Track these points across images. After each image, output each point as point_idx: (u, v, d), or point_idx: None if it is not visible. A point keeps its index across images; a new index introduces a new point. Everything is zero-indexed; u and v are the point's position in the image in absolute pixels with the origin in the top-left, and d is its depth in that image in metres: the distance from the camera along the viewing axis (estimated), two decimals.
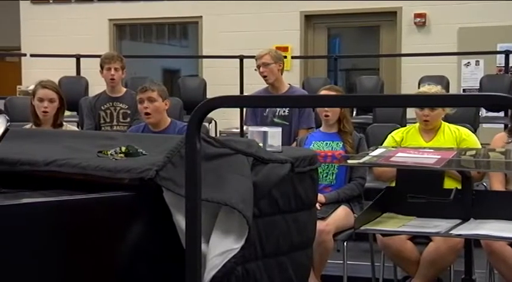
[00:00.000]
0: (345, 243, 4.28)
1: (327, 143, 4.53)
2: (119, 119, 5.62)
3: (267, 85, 5.36)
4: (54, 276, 2.03)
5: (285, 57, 8.72)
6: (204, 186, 1.84)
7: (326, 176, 4.43)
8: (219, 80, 9.00)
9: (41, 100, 4.43)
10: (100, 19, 10.18)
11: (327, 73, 9.65)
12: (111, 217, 2.16)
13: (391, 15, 9.36)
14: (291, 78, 8.57)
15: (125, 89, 5.83)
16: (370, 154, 3.44)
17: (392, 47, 9.37)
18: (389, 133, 4.56)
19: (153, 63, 10.99)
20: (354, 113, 7.88)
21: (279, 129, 2.77)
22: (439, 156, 3.17)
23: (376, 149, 3.66)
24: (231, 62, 8.77)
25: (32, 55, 9.50)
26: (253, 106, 4.51)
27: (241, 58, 8.55)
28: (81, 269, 2.09)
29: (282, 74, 5.33)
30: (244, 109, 6.11)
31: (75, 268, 2.08)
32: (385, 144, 4.43)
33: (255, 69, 5.32)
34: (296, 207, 2.51)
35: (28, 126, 4.52)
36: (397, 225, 3.09)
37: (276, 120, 5.16)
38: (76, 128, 5.71)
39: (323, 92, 4.56)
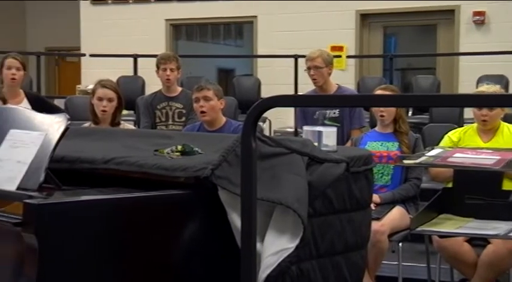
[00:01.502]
0: (400, 244, 4.23)
1: (382, 143, 4.49)
2: (174, 118, 5.69)
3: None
4: (111, 272, 2.07)
5: (340, 56, 8.72)
6: (259, 185, 1.85)
7: (381, 177, 4.39)
8: (273, 79, 9.01)
9: (100, 99, 4.51)
10: (157, 19, 10.30)
11: (383, 72, 9.56)
12: (167, 215, 2.19)
13: (449, 14, 9.22)
14: (346, 78, 8.53)
15: (180, 89, 5.89)
16: (426, 154, 3.41)
17: (450, 45, 9.22)
18: (446, 133, 4.50)
19: (208, 62, 11.07)
20: (410, 112, 7.79)
21: (334, 129, 2.76)
22: (498, 157, 3.12)
23: (433, 149, 3.62)
24: (286, 61, 8.76)
25: (91, 55, 9.68)
26: (308, 105, 4.49)
27: (296, 57, 8.53)
28: (138, 266, 2.12)
29: (330, 75, 5.30)
30: (294, 112, 6.10)
31: (132, 265, 2.11)
32: (441, 144, 4.37)
33: (305, 70, 5.30)
34: (351, 207, 2.50)
35: (87, 124, 4.60)
36: (454, 227, 3.05)
37: (326, 122, 5.13)
38: (133, 127, 5.79)
39: (378, 92, 4.52)
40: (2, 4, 13.02)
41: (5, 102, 4.44)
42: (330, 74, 5.25)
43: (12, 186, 2.23)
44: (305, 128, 2.89)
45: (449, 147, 3.98)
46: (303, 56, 8.21)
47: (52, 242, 1.92)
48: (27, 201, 1.96)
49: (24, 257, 1.94)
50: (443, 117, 6.53)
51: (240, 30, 11.20)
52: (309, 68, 5.22)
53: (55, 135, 2.31)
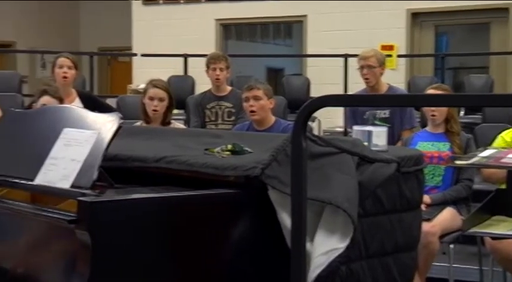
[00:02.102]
0: (451, 246, 4.18)
1: (433, 144, 4.43)
2: (224, 117, 5.71)
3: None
4: (162, 270, 2.09)
5: (390, 56, 8.63)
6: (309, 184, 1.85)
7: (432, 178, 4.34)
8: (323, 78, 8.97)
9: (152, 99, 4.55)
10: (207, 19, 10.36)
11: (434, 72, 9.44)
12: (217, 214, 2.20)
13: (502, 12, 9.04)
14: (397, 77, 8.44)
15: (230, 88, 5.92)
16: (478, 155, 3.35)
17: (504, 44, 9.05)
18: (499, 133, 4.41)
19: (257, 62, 11.09)
20: (462, 112, 7.67)
21: (385, 129, 2.74)
22: None
23: (485, 150, 3.56)
24: (335, 60, 8.73)
25: (142, 55, 9.79)
26: (358, 105, 4.46)
27: (346, 57, 8.49)
28: (188, 264, 2.14)
29: (382, 75, 5.26)
30: (344, 112, 6.07)
31: (182, 263, 2.13)
32: (494, 144, 4.29)
33: (357, 69, 5.27)
34: (401, 208, 2.48)
35: (138, 124, 4.65)
36: (507, 229, 3.00)
37: (376, 123, 5.06)
38: (183, 126, 5.84)
39: (430, 91, 4.47)
40: (57, 5, 13.28)
41: (61, 101, 4.53)
42: (382, 74, 5.21)
43: (66, 184, 2.27)
44: (355, 127, 2.88)
45: (503, 148, 3.91)
46: (353, 56, 8.17)
47: (104, 239, 1.95)
48: (81, 199, 2.00)
49: (77, 254, 1.98)
50: (496, 117, 6.41)
51: (289, 29, 11.20)
52: (361, 67, 5.19)
53: (108, 134, 2.35)
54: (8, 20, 12.66)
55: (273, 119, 4.69)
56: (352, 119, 5.22)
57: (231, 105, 5.66)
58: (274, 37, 11.51)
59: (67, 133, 2.43)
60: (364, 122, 5.09)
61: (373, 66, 5.13)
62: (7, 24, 12.64)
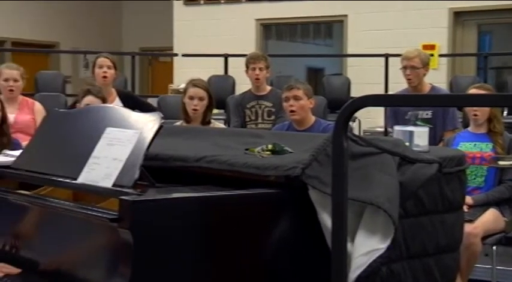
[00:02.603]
0: (494, 248, 4.12)
1: (475, 144, 4.38)
2: (264, 117, 5.72)
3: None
4: (202, 269, 2.10)
5: (432, 55, 8.54)
6: (349, 185, 1.84)
7: (474, 179, 4.28)
8: (363, 78, 8.92)
9: (192, 98, 4.58)
10: (247, 19, 10.38)
11: (476, 71, 9.31)
12: (257, 213, 2.20)
13: None
14: (438, 77, 8.34)
15: (269, 88, 5.93)
16: None
17: None
18: None
19: (297, 62, 11.07)
20: (505, 113, 7.55)
21: (426, 129, 2.72)
22: None
23: None
24: (376, 60, 8.67)
25: (183, 55, 9.86)
26: (400, 105, 4.43)
27: (387, 57, 8.43)
28: (228, 264, 2.15)
29: (425, 76, 5.21)
30: (384, 112, 6.02)
31: (223, 262, 2.14)
32: None
33: (401, 68, 5.23)
34: (443, 209, 2.45)
35: (178, 123, 4.69)
36: None
37: (418, 123, 5.02)
38: (223, 126, 5.87)
39: (472, 91, 4.41)
40: (100, 6, 13.45)
41: (104, 101, 4.59)
42: (425, 74, 5.17)
43: (108, 183, 2.30)
44: (396, 127, 2.86)
45: None
46: (394, 55, 8.11)
47: (146, 237, 1.97)
48: (123, 197, 2.01)
49: (119, 252, 2.00)
50: None
51: (329, 29, 11.15)
52: (404, 68, 5.15)
53: (149, 134, 2.37)
54: (52, 21, 12.87)
55: (312, 118, 4.68)
56: (394, 119, 5.18)
57: (270, 104, 5.67)
58: (314, 37, 11.48)
59: (109, 132, 2.45)
60: (406, 123, 5.03)
61: (416, 66, 5.09)
62: (51, 25, 12.85)
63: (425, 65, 5.15)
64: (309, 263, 2.27)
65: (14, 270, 2.33)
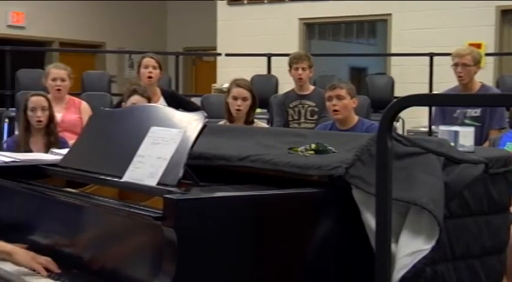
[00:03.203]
0: None
1: None
2: (307, 116, 5.72)
3: (457, 84, 5.19)
4: (244, 268, 2.11)
5: None
6: (393, 185, 1.83)
7: None
8: (407, 78, 8.84)
9: (235, 98, 4.60)
10: (291, 19, 10.38)
11: None
12: (300, 213, 2.20)
13: None
14: (484, 76, 8.19)
15: (312, 87, 5.92)
16: None
17: None
18: None
19: (340, 61, 11.03)
20: None
21: (471, 129, 2.68)
22: None
23: None
24: (420, 59, 8.59)
25: (226, 54, 9.90)
26: (447, 105, 4.38)
27: (431, 56, 8.34)
28: (271, 263, 2.15)
29: (475, 74, 5.15)
30: (433, 109, 5.96)
31: (265, 262, 2.14)
32: None
33: (452, 66, 5.17)
34: (488, 210, 2.42)
35: (222, 122, 4.71)
36: None
37: (466, 121, 4.98)
38: (266, 125, 5.87)
39: None
40: (145, 6, 13.60)
41: (149, 100, 4.64)
42: (476, 72, 5.12)
43: (153, 182, 2.32)
44: (441, 127, 2.83)
45: None
46: (439, 54, 8.03)
47: (190, 236, 1.98)
48: (167, 196, 2.03)
49: (163, 251, 2.02)
50: None
51: (373, 28, 11.08)
52: (456, 65, 5.10)
53: (193, 133, 2.39)
54: (98, 22, 13.06)
55: (356, 118, 4.66)
56: (442, 117, 5.14)
57: (313, 104, 5.66)
58: (357, 36, 11.42)
59: (154, 131, 2.48)
60: (454, 120, 5.00)
61: (468, 64, 5.04)
62: (97, 25, 13.03)
63: (477, 63, 5.09)
64: (352, 263, 2.26)
65: (55, 268, 2.37)
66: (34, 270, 2.36)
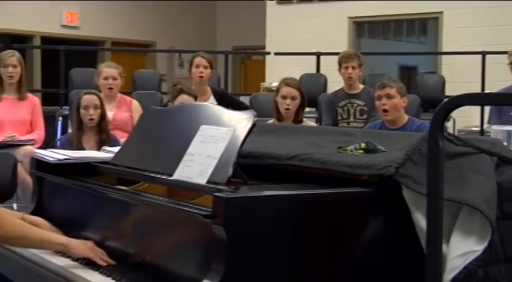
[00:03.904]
0: None
1: None
2: (356, 115, 5.69)
3: None
4: (293, 267, 2.10)
5: None
6: (445, 185, 1.81)
7: None
8: (459, 76, 8.71)
9: (284, 97, 4.61)
10: (340, 17, 10.33)
11: None
12: (350, 212, 2.19)
13: None
14: None
15: (362, 86, 5.89)
16: None
17: None
18: None
19: (390, 60, 10.94)
20: None
21: None
22: None
23: None
24: (472, 58, 8.45)
25: (275, 53, 9.91)
26: (501, 104, 4.30)
27: (484, 54, 8.21)
28: (319, 262, 2.14)
29: None
30: (488, 108, 5.86)
31: (314, 261, 2.14)
32: None
33: (508, 64, 5.08)
34: None
35: (270, 121, 4.72)
36: None
37: None
38: (315, 124, 5.86)
39: None
40: (195, 6, 13.71)
41: (196, 99, 4.68)
42: None
43: (202, 180, 2.34)
44: (493, 127, 2.79)
45: None
46: (492, 53, 7.89)
47: (239, 234, 1.99)
48: (217, 194, 2.04)
49: (212, 249, 2.03)
50: None
51: (423, 26, 10.96)
52: (511, 64, 5.02)
53: (243, 132, 2.40)
54: (149, 22, 13.21)
55: (406, 117, 4.62)
56: (498, 116, 5.05)
57: (363, 103, 5.63)
58: (407, 34, 11.31)
59: (204, 130, 2.50)
60: (510, 119, 4.90)
61: None
62: (148, 25, 13.19)
63: None
64: (402, 263, 2.24)
65: (110, 261, 2.40)
66: (88, 263, 2.39)
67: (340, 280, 2.18)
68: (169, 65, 13.72)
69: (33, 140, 5.44)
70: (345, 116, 5.68)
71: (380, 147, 2.45)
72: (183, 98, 4.56)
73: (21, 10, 11.45)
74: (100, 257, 2.39)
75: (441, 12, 9.66)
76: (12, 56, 5.55)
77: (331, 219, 2.15)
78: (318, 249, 2.13)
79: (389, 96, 4.52)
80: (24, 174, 4.82)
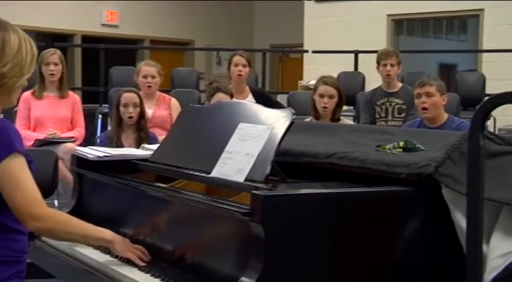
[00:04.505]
0: None
1: None
2: (394, 114, 5.65)
3: None
4: (330, 266, 2.10)
5: None
6: (485, 184, 1.79)
7: None
8: (500, 74, 8.59)
9: (322, 96, 4.60)
10: (378, 15, 10.26)
11: None
12: (388, 211, 2.18)
13: None
14: None
15: (400, 84, 5.85)
16: None
17: None
18: None
19: (429, 58, 10.84)
20: None
21: None
22: None
23: None
24: None
25: (313, 51, 9.89)
26: None
27: None
28: (357, 261, 2.14)
29: None
30: None
31: (352, 260, 2.13)
32: None
33: None
34: None
35: (308, 119, 4.72)
36: None
37: None
38: (352, 122, 5.84)
39: None
40: (233, 4, 13.74)
41: (232, 97, 4.70)
42: None
43: (240, 178, 2.34)
44: None
45: None
46: None
47: (277, 232, 1.99)
48: (255, 192, 2.04)
49: (250, 246, 2.04)
50: None
51: (463, 24, 10.83)
52: None
53: (281, 130, 2.40)
54: (187, 20, 13.29)
55: (445, 116, 4.58)
56: None
57: (401, 101, 5.59)
58: (447, 32, 11.18)
59: (242, 128, 2.50)
60: None
61: None
62: (186, 23, 13.27)
63: None
64: (441, 264, 2.22)
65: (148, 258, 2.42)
66: (127, 259, 2.42)
67: (378, 280, 2.17)
68: (207, 63, 13.79)
69: (73, 137, 5.52)
70: (383, 115, 5.64)
71: (419, 145, 2.44)
72: (220, 97, 4.58)
73: (62, 10, 11.62)
74: (139, 256, 2.40)
75: (482, 10, 9.54)
76: (54, 54, 5.64)
77: (369, 218, 2.14)
78: (355, 249, 2.12)
79: (429, 95, 4.48)
80: (65, 171, 4.89)
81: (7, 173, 1.96)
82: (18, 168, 1.98)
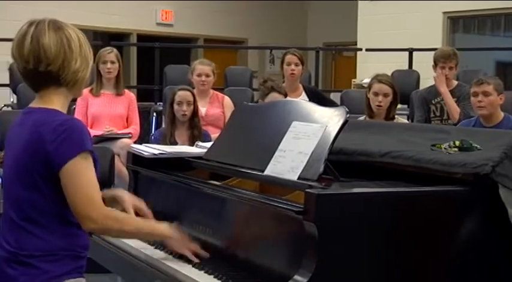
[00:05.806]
0: None
1: None
2: None
3: None
4: (385, 265, 2.09)
5: None
6: None
7: None
8: None
9: (376, 94, 4.56)
10: (434, 12, 10.11)
11: None
12: (444, 211, 2.16)
13: None
14: None
15: (456, 82, 5.74)
16: None
17: None
18: None
19: (486, 55, 10.63)
20: None
21: None
22: None
23: None
24: None
25: (367, 49, 9.80)
26: None
27: None
28: (413, 261, 2.12)
29: None
30: None
31: (407, 259, 2.11)
32: None
33: None
34: None
35: (362, 118, 4.68)
36: None
37: None
38: (406, 121, 5.77)
39: None
40: (286, 2, 13.73)
41: (285, 97, 4.70)
42: None
43: (294, 176, 2.34)
44: None
45: None
46: None
47: (330, 231, 1.99)
48: (308, 190, 2.04)
49: (303, 245, 2.04)
50: None
51: None
52: None
53: (335, 128, 2.39)
54: (241, 19, 13.33)
55: (502, 115, 4.50)
56: None
57: (456, 99, 5.49)
58: (505, 29, 10.95)
59: (296, 126, 2.50)
60: None
61: None
62: (240, 22, 13.31)
63: None
64: (498, 264, 2.19)
65: (204, 254, 2.43)
66: (180, 255, 2.43)
67: (434, 279, 2.15)
68: (260, 62, 13.80)
69: (130, 133, 5.60)
70: (438, 114, 5.55)
71: (475, 145, 2.40)
72: (274, 96, 4.58)
73: (119, 9, 11.79)
74: (194, 252, 2.41)
75: None
76: (111, 53, 5.73)
77: (423, 218, 2.12)
78: (409, 249, 2.11)
79: (486, 94, 4.41)
80: (120, 166, 4.98)
81: (74, 172, 1.98)
82: (85, 168, 2.00)
